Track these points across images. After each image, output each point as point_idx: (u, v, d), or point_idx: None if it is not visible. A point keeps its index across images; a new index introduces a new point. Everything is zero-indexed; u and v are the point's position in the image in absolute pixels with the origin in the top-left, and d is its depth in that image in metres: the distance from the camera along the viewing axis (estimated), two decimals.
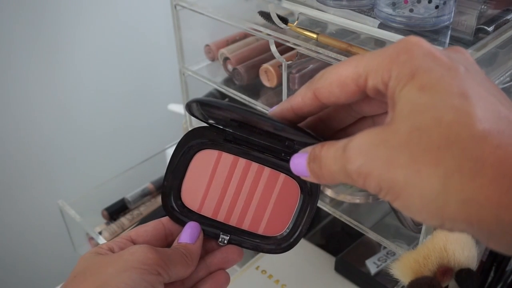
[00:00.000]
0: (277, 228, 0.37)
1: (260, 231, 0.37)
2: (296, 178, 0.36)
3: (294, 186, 0.36)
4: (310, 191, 0.36)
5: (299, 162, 0.28)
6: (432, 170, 0.21)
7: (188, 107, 0.34)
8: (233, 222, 0.37)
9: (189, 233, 0.35)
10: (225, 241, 0.37)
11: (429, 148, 0.21)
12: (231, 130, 0.35)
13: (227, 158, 0.36)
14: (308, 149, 0.28)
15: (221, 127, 0.35)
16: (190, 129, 0.36)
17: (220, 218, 0.37)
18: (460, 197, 0.20)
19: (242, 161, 0.36)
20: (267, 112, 0.33)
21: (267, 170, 0.36)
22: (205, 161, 0.36)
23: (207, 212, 0.37)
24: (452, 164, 0.20)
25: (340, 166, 0.24)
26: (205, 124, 0.35)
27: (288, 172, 0.35)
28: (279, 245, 0.37)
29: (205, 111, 0.34)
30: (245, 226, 0.37)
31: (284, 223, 0.37)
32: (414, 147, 0.21)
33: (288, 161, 0.31)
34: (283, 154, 0.34)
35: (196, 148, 0.36)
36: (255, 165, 0.36)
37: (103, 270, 0.31)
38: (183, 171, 0.37)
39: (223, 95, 0.75)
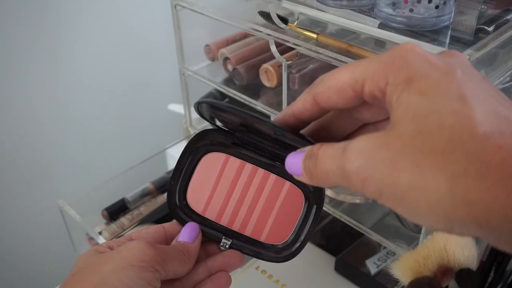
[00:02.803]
0: (279, 236, 0.36)
1: (263, 238, 0.37)
2: (301, 186, 0.36)
3: (299, 195, 0.36)
4: (314, 201, 0.35)
5: (294, 161, 0.28)
6: (437, 173, 0.21)
7: (198, 108, 0.34)
8: (236, 227, 0.37)
9: (187, 232, 0.35)
10: (227, 246, 0.36)
11: (433, 152, 0.21)
12: (239, 134, 0.35)
13: (234, 162, 0.36)
14: (306, 148, 0.28)
15: (230, 130, 0.35)
16: (199, 131, 0.36)
17: (224, 222, 0.37)
18: (467, 199, 0.20)
19: (248, 166, 0.36)
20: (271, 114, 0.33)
21: (272, 177, 0.36)
22: (212, 163, 0.36)
23: (211, 215, 0.37)
24: (457, 167, 0.20)
25: (337, 165, 0.24)
26: (214, 127, 0.35)
27: (294, 180, 0.34)
28: (280, 254, 0.36)
29: (215, 114, 0.34)
30: (248, 232, 0.37)
31: (286, 232, 0.36)
32: (417, 151, 0.21)
33: None
34: None
35: (204, 150, 0.36)
36: (261, 171, 0.36)
37: (101, 268, 0.31)
38: (190, 172, 0.37)
39: (223, 95, 0.75)
